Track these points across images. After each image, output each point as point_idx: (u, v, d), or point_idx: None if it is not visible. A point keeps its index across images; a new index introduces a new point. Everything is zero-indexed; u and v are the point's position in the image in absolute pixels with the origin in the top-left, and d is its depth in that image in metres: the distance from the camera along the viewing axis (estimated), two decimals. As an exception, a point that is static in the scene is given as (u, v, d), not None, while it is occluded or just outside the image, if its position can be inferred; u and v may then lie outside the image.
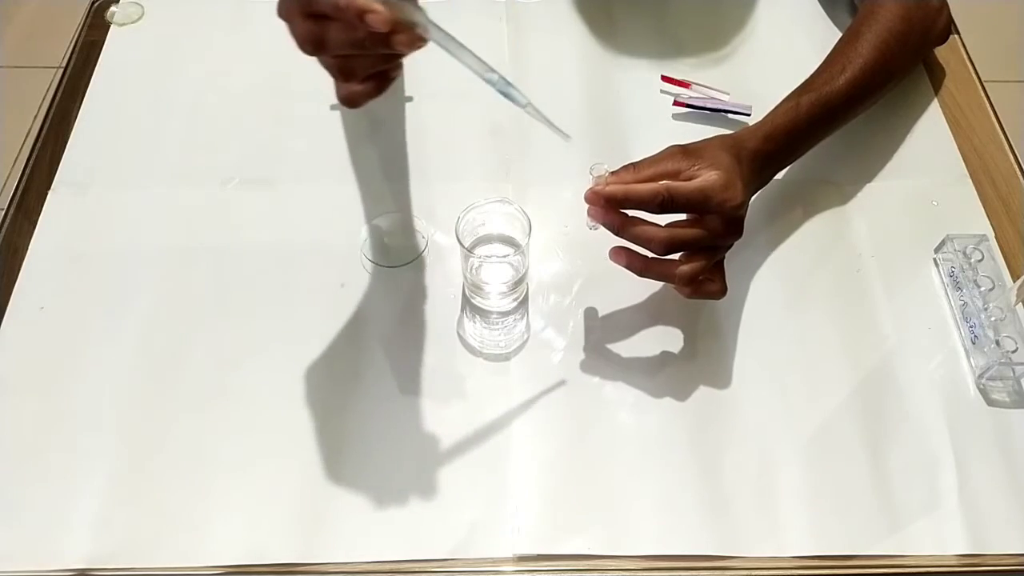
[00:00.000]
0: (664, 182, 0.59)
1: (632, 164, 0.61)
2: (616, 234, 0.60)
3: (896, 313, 0.69)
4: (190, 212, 0.74)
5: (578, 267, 0.71)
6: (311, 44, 0.49)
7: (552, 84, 0.83)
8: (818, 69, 0.72)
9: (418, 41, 0.47)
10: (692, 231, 0.60)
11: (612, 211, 0.59)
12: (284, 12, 0.50)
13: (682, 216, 0.61)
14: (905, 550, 0.58)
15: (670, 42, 0.87)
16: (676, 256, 0.61)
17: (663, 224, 0.60)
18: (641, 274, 0.62)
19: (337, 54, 0.49)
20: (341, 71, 0.50)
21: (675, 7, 0.90)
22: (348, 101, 0.52)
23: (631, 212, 0.60)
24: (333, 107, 0.80)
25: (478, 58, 0.49)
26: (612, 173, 0.60)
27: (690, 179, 0.60)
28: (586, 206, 0.60)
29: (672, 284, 0.62)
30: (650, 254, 0.60)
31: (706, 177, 0.59)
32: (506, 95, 0.51)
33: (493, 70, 0.50)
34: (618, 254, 0.62)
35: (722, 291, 0.63)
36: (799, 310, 0.69)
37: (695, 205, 0.59)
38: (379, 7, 0.45)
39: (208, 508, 0.59)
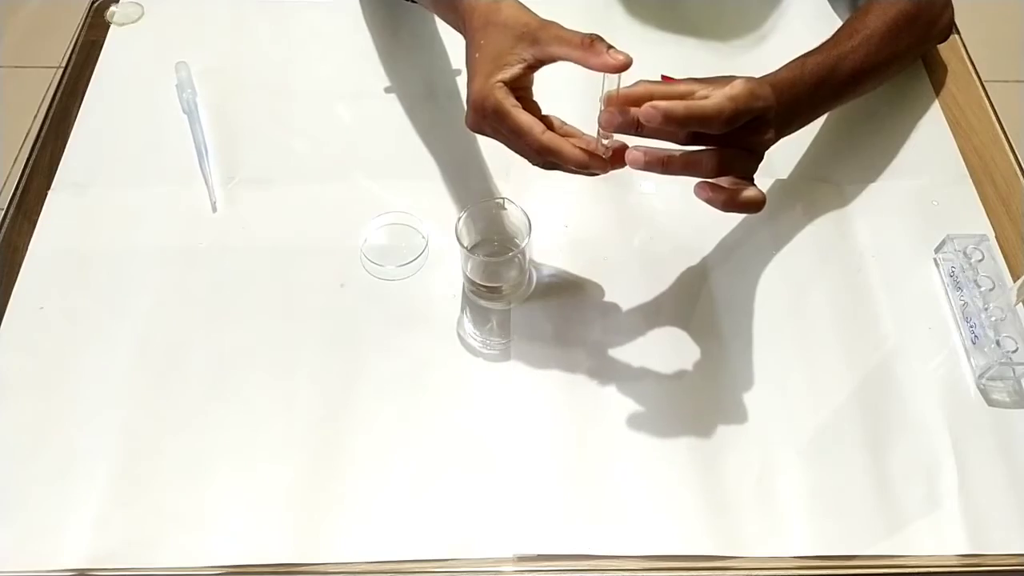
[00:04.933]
0: (726, 91, 0.56)
1: (644, 81, 0.59)
2: (635, 133, 0.57)
3: (896, 313, 0.69)
4: (190, 212, 0.74)
5: (578, 267, 0.71)
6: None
7: (551, 84, 0.83)
8: (827, 39, 0.71)
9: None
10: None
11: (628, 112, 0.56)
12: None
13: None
14: (905, 550, 0.58)
15: (670, 43, 0.87)
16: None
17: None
18: (665, 168, 0.57)
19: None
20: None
21: (675, 8, 0.90)
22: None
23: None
24: (387, 89, 0.82)
25: None
26: (627, 88, 0.57)
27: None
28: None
29: (698, 177, 0.59)
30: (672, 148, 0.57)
31: (738, 82, 0.57)
32: None
33: None
34: (636, 156, 0.57)
35: (762, 199, 0.59)
36: (799, 310, 0.69)
37: (752, 111, 0.57)
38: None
39: (208, 508, 0.59)
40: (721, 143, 0.57)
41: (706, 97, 0.56)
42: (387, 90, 0.83)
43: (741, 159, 0.59)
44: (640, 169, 0.57)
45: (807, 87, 0.66)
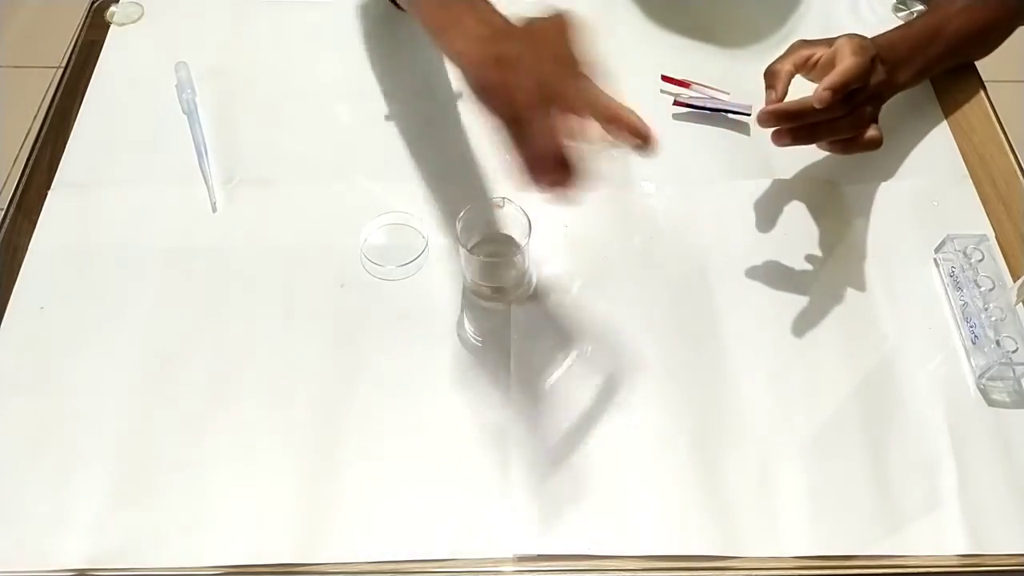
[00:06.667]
0: (847, 51, 0.68)
1: (771, 91, 0.70)
2: (795, 120, 0.68)
3: (896, 313, 0.69)
4: (190, 212, 0.74)
5: (578, 267, 0.71)
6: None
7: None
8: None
9: None
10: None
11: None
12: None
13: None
14: (905, 550, 0.58)
15: (670, 41, 0.87)
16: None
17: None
18: (834, 134, 0.70)
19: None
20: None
21: (675, 7, 0.90)
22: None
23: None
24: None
25: None
26: (768, 114, 0.68)
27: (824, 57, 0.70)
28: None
29: (836, 137, 0.70)
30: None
31: (843, 41, 0.69)
32: None
33: None
34: (785, 137, 0.69)
35: (880, 137, 0.70)
36: (799, 310, 0.69)
37: (872, 57, 0.69)
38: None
39: (208, 508, 0.59)
40: (858, 98, 0.68)
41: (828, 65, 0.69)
42: (386, 90, 0.83)
43: (873, 105, 0.71)
44: (800, 144, 0.70)
45: (918, 41, 0.75)
